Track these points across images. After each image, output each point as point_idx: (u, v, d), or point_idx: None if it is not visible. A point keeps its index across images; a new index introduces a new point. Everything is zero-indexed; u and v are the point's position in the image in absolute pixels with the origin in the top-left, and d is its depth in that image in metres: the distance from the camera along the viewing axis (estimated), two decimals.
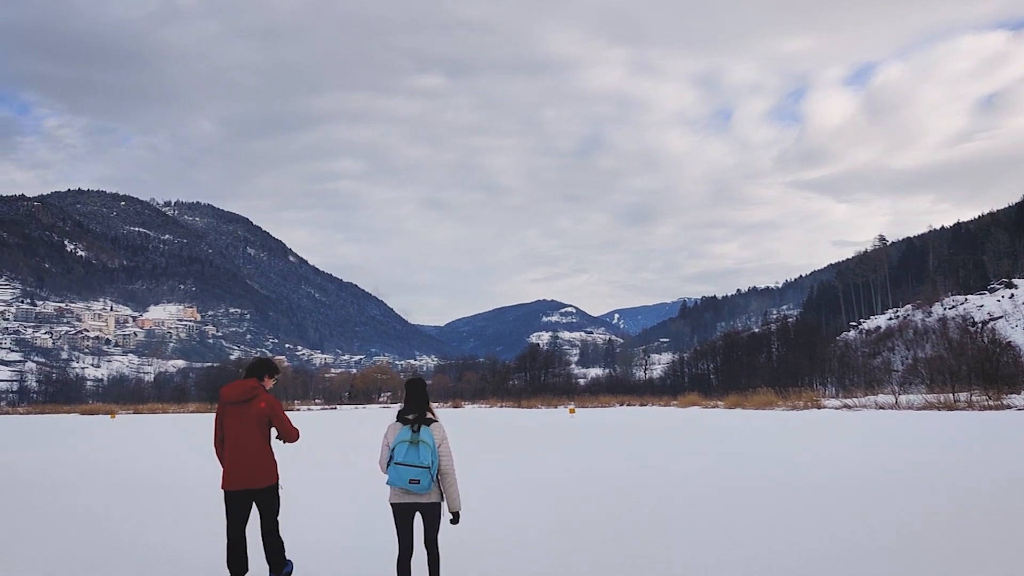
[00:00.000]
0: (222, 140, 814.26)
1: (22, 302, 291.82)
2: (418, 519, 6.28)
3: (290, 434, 7.15)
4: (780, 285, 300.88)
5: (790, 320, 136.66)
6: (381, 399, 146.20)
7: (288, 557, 7.48)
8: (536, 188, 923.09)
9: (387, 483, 6.19)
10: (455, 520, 6.30)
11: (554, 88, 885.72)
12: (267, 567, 7.18)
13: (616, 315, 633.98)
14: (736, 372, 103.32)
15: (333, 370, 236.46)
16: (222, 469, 7.01)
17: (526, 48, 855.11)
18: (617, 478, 15.76)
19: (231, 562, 6.90)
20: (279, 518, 7.18)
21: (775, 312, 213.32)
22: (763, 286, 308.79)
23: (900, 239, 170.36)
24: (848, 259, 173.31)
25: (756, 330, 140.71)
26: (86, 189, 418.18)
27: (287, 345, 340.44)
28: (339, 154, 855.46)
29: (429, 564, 6.23)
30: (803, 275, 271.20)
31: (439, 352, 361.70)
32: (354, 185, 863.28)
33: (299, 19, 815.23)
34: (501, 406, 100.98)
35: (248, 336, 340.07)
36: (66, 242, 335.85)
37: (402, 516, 6.23)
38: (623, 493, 13.40)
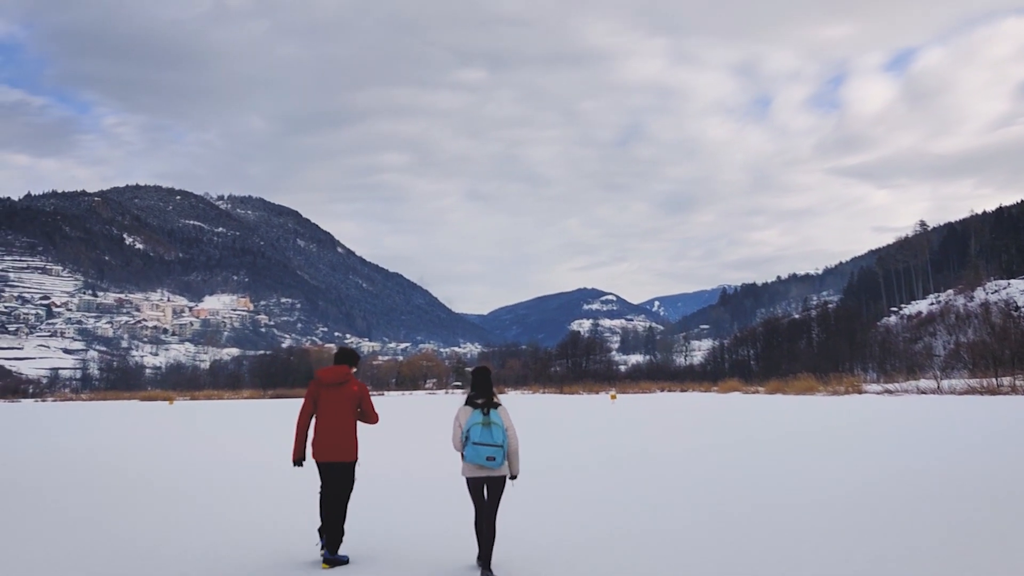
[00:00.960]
0: (272, 136, 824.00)
1: (84, 293, 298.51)
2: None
3: (372, 417, 7.82)
4: (820, 271, 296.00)
5: (830, 306, 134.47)
6: (427, 385, 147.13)
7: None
8: (577, 178, 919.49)
9: (464, 460, 6.97)
10: (514, 478, 7.16)
11: (594, 79, 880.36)
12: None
13: (656, 302, 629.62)
14: (776, 358, 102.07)
15: (380, 357, 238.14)
16: (312, 440, 7.56)
17: (565, 40, 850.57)
18: (662, 459, 15.70)
19: (324, 522, 7.53)
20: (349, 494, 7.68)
21: (815, 298, 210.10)
22: (803, 273, 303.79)
23: (941, 224, 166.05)
24: (888, 245, 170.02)
25: (796, 316, 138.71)
26: (143, 184, 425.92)
27: (336, 333, 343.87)
28: (384, 148, 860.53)
29: (485, 536, 6.96)
30: (843, 261, 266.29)
31: (482, 340, 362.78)
32: (399, 178, 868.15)
33: (344, 17, 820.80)
34: (543, 392, 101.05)
35: (299, 325, 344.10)
36: (125, 236, 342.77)
37: (476, 487, 7.00)
38: (678, 474, 13.33)
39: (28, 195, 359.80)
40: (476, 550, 7.18)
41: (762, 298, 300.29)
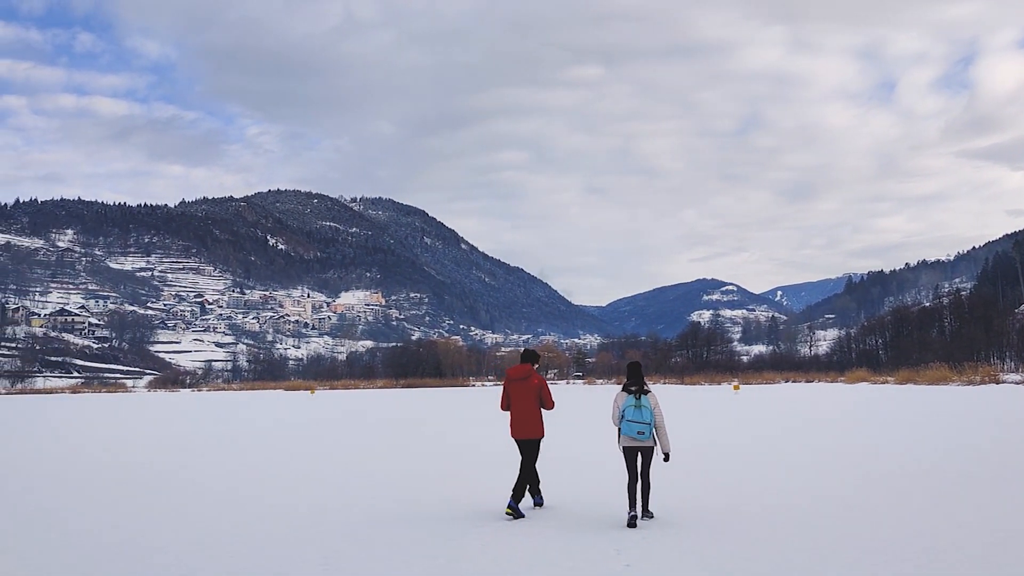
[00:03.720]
0: (399, 139, 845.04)
1: (233, 291, 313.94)
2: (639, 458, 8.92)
3: (548, 404, 9.68)
4: (951, 258, 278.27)
5: (963, 293, 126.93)
6: (548, 376, 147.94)
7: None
8: (694, 169, 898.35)
9: (620, 433, 8.95)
10: (667, 458, 9.01)
11: (710, 70, 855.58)
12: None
13: (779, 292, 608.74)
14: (907, 347, 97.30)
15: (503, 349, 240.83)
16: (509, 422, 9.76)
17: (681, 33, 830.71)
18: (787, 450, 15.93)
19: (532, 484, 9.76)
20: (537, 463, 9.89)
21: (947, 285, 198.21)
22: (933, 259, 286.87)
23: None
24: None
25: (927, 304, 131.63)
26: (284, 189, 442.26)
27: (461, 326, 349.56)
28: (504, 146, 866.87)
29: (642, 490, 8.93)
30: (976, 247, 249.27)
31: (601, 331, 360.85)
32: (518, 175, 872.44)
33: (464, 23, 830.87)
34: (664, 383, 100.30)
35: (427, 318, 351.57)
36: (268, 237, 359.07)
37: (630, 455, 8.93)
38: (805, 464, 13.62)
39: (182, 202, 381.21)
40: (627, 509, 8.83)
41: (890, 286, 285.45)
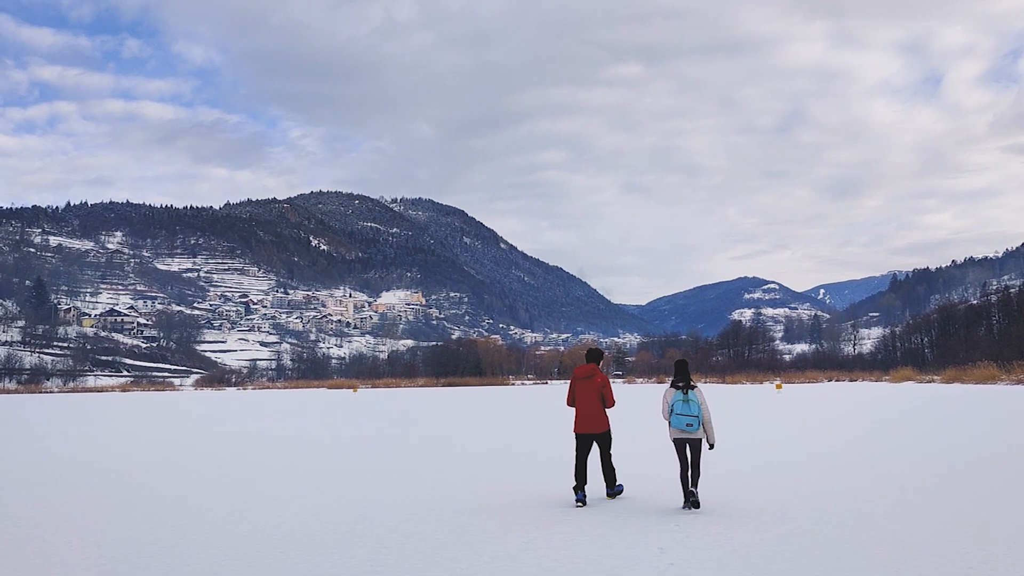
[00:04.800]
0: (439, 140, 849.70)
1: (277, 291, 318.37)
2: (688, 450, 9.61)
3: (610, 401, 10.28)
4: (1000, 254, 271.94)
5: (1012, 290, 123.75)
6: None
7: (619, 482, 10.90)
8: (735, 166, 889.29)
9: (670, 426, 9.66)
10: (712, 447, 9.75)
11: (752, 66, 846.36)
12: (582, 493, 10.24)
13: (821, 290, 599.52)
14: (953, 346, 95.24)
15: (543, 348, 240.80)
16: (574, 419, 10.32)
17: (721, 30, 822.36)
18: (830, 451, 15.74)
19: (577, 476, 10.13)
20: (612, 452, 10.56)
21: (995, 283, 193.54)
22: (980, 256, 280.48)
23: None
24: None
25: (974, 302, 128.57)
26: (326, 191, 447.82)
27: (500, 325, 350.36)
28: (543, 146, 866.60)
29: (692, 476, 9.58)
30: None
31: (641, 330, 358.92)
32: (558, 175, 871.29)
33: (503, 23, 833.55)
34: (705, 382, 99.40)
35: (467, 317, 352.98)
36: (311, 238, 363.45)
37: (680, 446, 9.64)
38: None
39: (227, 204, 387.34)
40: (682, 496, 9.75)
41: (936, 283, 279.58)
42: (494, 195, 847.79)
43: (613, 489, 10.44)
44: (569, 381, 10.56)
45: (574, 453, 10.35)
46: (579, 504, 9.92)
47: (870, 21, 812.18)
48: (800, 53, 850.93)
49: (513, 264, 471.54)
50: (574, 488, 10.12)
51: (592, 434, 10.15)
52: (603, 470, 10.43)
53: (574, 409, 10.37)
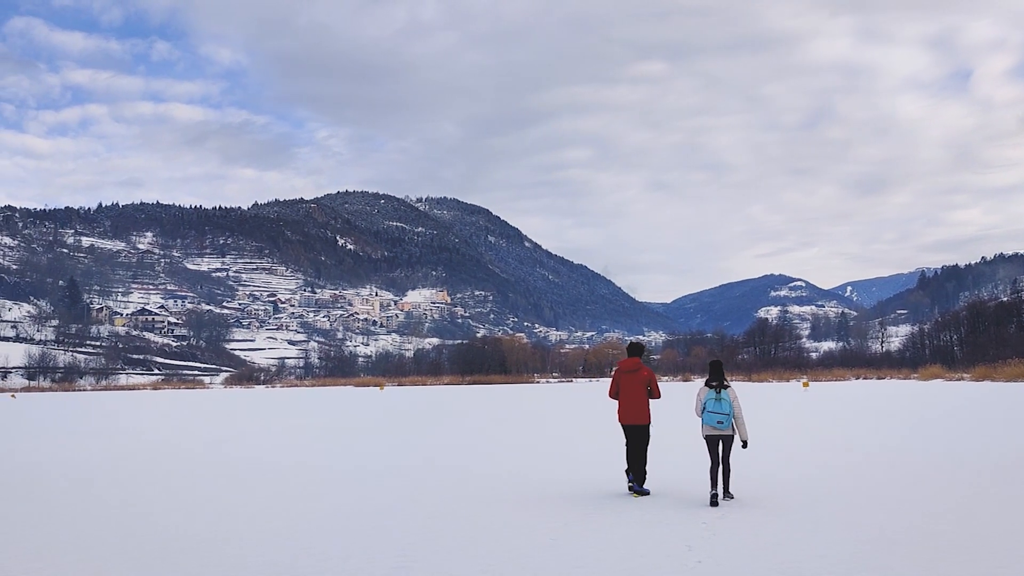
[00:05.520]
0: (463, 140, 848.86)
1: (304, 290, 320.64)
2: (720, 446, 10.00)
3: (656, 393, 10.69)
4: None
5: None
6: (613, 373, 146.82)
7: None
8: (761, 164, 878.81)
9: (703, 423, 10.06)
10: (744, 445, 10.16)
11: (777, 63, 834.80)
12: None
13: (848, 287, 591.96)
14: (983, 344, 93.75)
15: (568, 346, 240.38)
16: (618, 409, 10.73)
17: (746, 26, 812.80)
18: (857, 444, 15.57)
19: (631, 465, 10.60)
20: (649, 447, 10.80)
21: None
22: (1011, 252, 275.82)
23: None
24: None
25: (1004, 299, 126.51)
26: (352, 191, 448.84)
27: (525, 323, 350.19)
28: (567, 145, 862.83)
29: (723, 473, 9.97)
30: None
31: (666, 328, 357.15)
32: (582, 173, 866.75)
33: (526, 22, 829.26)
34: (731, 380, 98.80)
35: (491, 316, 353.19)
36: (337, 238, 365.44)
37: (712, 443, 10.04)
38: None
39: (255, 204, 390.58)
40: (709, 489, 9.97)
41: (965, 280, 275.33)
42: (518, 194, 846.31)
43: (641, 487, 10.51)
44: (613, 374, 10.96)
45: (625, 444, 10.80)
46: (632, 488, 10.52)
47: (897, 16, 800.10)
48: (826, 49, 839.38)
49: (537, 262, 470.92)
50: (626, 471, 10.71)
51: (636, 425, 10.51)
52: (636, 463, 10.59)
53: (617, 401, 10.76)
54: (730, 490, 10.05)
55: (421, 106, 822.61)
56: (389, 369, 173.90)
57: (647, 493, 10.48)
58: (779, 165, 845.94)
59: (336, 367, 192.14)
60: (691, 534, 8.10)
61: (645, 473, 10.62)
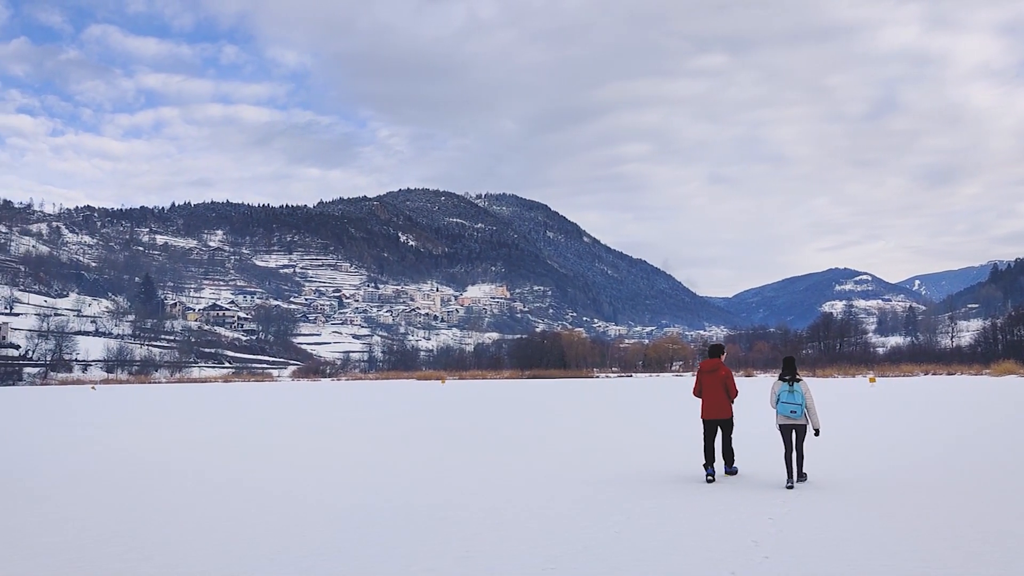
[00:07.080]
0: (522, 136, 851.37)
1: (368, 286, 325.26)
2: (793, 434, 10.68)
3: (733, 391, 11.45)
4: None
5: None
6: (673, 368, 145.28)
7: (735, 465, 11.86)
8: (824, 156, 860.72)
9: (777, 413, 10.76)
10: (817, 433, 10.87)
11: (840, 53, 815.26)
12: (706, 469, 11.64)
13: (916, 281, 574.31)
14: None
15: (627, 340, 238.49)
16: (701, 407, 11.52)
17: (808, 16, 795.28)
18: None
19: (706, 455, 11.32)
20: (733, 436, 11.73)
21: None
22: None
23: None
24: None
25: None
26: (413, 188, 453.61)
27: (584, 318, 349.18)
28: (625, 139, 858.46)
29: (797, 460, 10.69)
30: None
31: (728, 323, 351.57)
32: (640, 167, 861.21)
33: (584, 18, 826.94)
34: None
35: (550, 311, 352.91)
36: (399, 234, 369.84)
37: (785, 432, 10.73)
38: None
39: (320, 202, 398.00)
40: (784, 478, 10.69)
41: None
42: (577, 189, 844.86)
43: (731, 468, 11.61)
44: (696, 374, 11.86)
45: (702, 437, 11.55)
46: (709, 479, 11.14)
47: (967, 2, 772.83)
48: (892, 37, 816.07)
49: (596, 257, 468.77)
50: (704, 465, 11.33)
51: (717, 420, 11.38)
52: (723, 451, 11.58)
53: (701, 399, 11.58)
54: (804, 470, 10.87)
55: (480, 104, 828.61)
56: (450, 363, 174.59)
57: (735, 472, 11.61)
58: (843, 157, 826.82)
59: (399, 361, 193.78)
60: (758, 528, 8.02)
61: (733, 455, 11.62)
